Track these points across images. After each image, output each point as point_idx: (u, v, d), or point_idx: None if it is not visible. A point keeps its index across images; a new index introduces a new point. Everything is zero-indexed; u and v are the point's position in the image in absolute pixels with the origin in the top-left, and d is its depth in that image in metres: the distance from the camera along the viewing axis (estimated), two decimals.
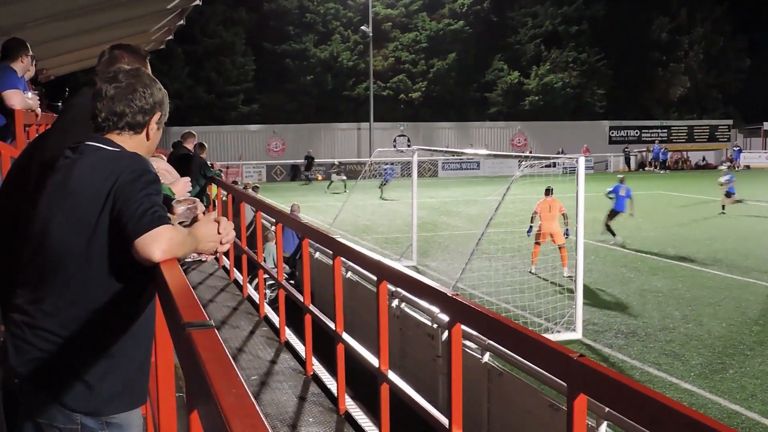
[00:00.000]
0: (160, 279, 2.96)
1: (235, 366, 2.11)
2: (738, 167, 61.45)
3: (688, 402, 10.73)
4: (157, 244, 3.00)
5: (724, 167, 35.00)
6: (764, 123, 68.42)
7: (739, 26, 71.88)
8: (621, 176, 25.56)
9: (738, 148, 64.21)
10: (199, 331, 2.39)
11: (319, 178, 50.91)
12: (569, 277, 18.14)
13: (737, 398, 11.03)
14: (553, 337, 13.50)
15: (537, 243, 19.72)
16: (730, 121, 68.71)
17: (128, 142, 3.37)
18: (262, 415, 1.82)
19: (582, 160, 14.67)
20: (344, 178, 45.20)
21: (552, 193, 20.17)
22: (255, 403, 1.89)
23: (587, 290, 16.75)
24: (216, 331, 2.41)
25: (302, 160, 53.26)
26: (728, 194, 31.65)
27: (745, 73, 73.58)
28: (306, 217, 23.53)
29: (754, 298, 16.97)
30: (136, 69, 3.53)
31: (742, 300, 16.73)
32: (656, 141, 62.74)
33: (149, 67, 4.30)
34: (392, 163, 44.13)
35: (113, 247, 3.12)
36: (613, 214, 24.30)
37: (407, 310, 11.71)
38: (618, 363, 12.65)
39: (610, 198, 24.48)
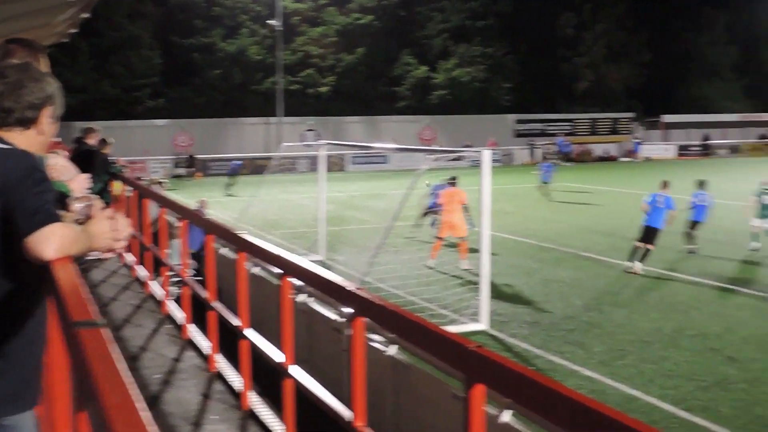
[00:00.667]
0: (52, 278, 2.93)
1: (122, 366, 2.10)
2: (637, 158, 63.15)
3: (589, 389, 10.99)
4: (49, 242, 2.96)
5: (542, 166, 37.55)
6: (663, 116, 70.33)
7: (640, 22, 73.70)
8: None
9: (638, 141, 65.85)
10: (88, 330, 2.37)
11: (199, 176, 49.85)
12: (467, 270, 18.39)
13: (636, 383, 11.34)
14: (458, 328, 13.68)
15: (439, 238, 19.80)
16: (631, 114, 70.40)
17: (18, 138, 3.31)
18: (146, 416, 1.82)
19: (487, 153, 14.85)
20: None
21: (456, 184, 20.31)
22: (141, 402, 1.89)
23: (493, 281, 17.00)
24: (106, 330, 2.40)
25: (184, 157, 52.64)
26: (544, 182, 35.58)
27: (646, 68, 75.49)
28: (214, 213, 23.33)
29: (653, 286, 17.46)
30: (25, 64, 3.47)
31: (641, 288, 17.20)
32: (561, 134, 63.90)
33: (47, 61, 4.23)
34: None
35: (4, 246, 3.07)
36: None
37: (314, 304, 11.71)
38: (522, 352, 12.88)
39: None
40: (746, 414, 10.13)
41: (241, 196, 34.82)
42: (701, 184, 22.16)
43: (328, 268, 18.96)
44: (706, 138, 68.97)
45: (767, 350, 12.85)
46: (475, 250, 16.39)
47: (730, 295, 16.67)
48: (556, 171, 38.43)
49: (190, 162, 51.84)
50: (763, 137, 71.11)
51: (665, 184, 20.08)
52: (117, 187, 15.08)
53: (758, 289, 17.05)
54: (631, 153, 64.53)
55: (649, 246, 19.20)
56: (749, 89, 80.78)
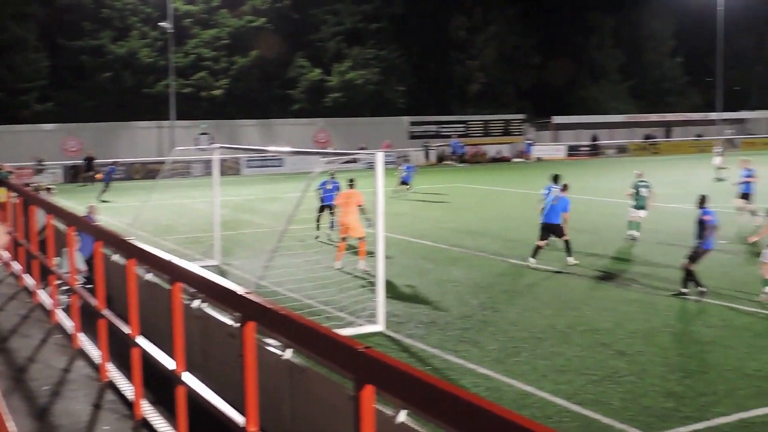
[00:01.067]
0: None
1: None
2: (529, 159, 64.39)
3: (485, 386, 11.15)
4: None
5: (403, 166, 39.66)
6: (553, 117, 71.90)
7: (530, 25, 75.21)
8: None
9: (529, 142, 67.15)
10: None
11: (99, 176, 48.35)
12: (366, 271, 18.45)
13: (530, 379, 11.55)
14: (355, 330, 13.72)
15: (343, 239, 19.82)
16: (523, 116, 71.72)
17: None
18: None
19: (381, 156, 14.91)
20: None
21: (354, 186, 20.39)
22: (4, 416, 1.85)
23: (389, 283, 17.10)
24: None
25: (82, 161, 51.36)
26: (403, 182, 37.24)
27: (537, 70, 77.05)
28: (105, 219, 22.85)
29: (545, 283, 17.82)
30: None
31: (534, 286, 17.54)
32: (454, 135, 64.67)
33: None
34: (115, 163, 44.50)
35: None
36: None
37: (209, 310, 11.58)
38: (418, 352, 12.98)
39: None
40: (635, 405, 10.42)
41: (116, 202, 34.18)
42: (555, 179, 22.30)
43: (224, 273, 18.79)
44: (595, 138, 70.77)
45: (653, 343, 13.24)
46: (372, 253, 16.44)
47: (619, 291, 17.14)
48: (416, 173, 39.91)
49: (89, 165, 50.38)
50: (648, 137, 73.32)
51: (556, 178, 21.21)
52: (1, 194, 14.66)
53: (644, 285, 17.57)
54: (523, 154, 65.76)
55: (545, 242, 19.67)
56: (634, 91, 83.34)
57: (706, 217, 16.18)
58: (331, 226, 21.40)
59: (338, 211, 19.85)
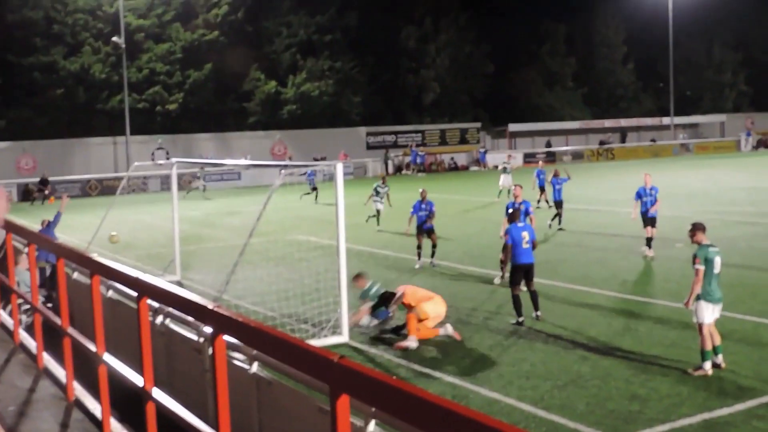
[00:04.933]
0: None
1: None
2: (481, 168, 64.80)
3: (451, 394, 11.19)
4: None
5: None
6: (509, 124, 72.41)
7: (482, 34, 75.68)
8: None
9: (484, 150, 67.57)
10: None
11: (52, 200, 47.66)
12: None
13: (496, 386, 11.62)
14: (320, 342, 13.70)
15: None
16: (478, 124, 72.17)
17: None
18: None
19: (340, 166, 14.93)
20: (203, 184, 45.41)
21: None
22: None
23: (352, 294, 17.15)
24: None
25: (35, 179, 50.84)
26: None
27: (490, 78, 77.56)
28: (62, 236, 22.59)
29: (507, 292, 17.91)
30: None
31: (496, 294, 17.63)
32: (412, 145, 64.90)
33: None
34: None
35: None
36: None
37: (172, 326, 11.52)
38: (385, 363, 13.00)
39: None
40: (600, 409, 10.52)
41: (73, 219, 33.81)
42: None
43: (185, 288, 18.65)
44: (549, 145, 71.39)
45: (615, 347, 13.38)
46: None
47: (580, 295, 17.29)
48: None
49: (44, 183, 49.79)
50: (602, 143, 74.11)
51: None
52: None
53: (604, 288, 17.74)
54: (478, 162, 66.17)
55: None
56: (588, 97, 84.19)
57: None
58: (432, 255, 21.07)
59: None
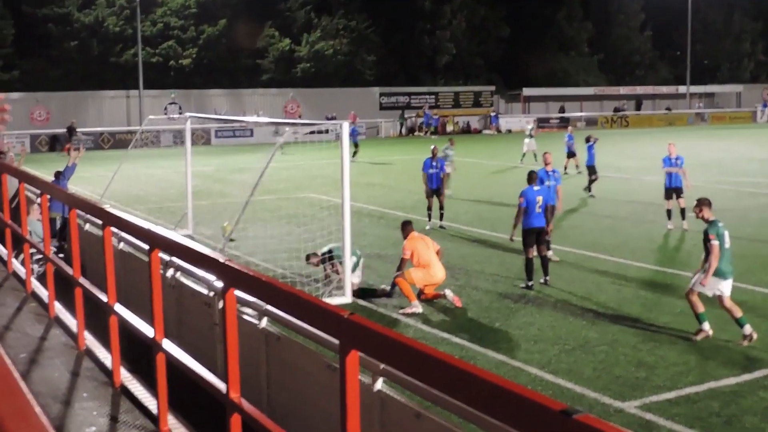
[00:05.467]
0: None
1: None
2: (493, 131, 64.51)
3: (459, 355, 11.21)
4: None
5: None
6: (524, 89, 71.98)
7: None
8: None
9: (495, 114, 67.17)
10: None
11: (66, 149, 47.48)
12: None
13: (503, 349, 11.65)
14: (329, 301, 13.74)
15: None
16: (492, 88, 71.76)
17: None
18: (27, 392, 1.78)
19: (346, 126, 14.90)
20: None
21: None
22: (19, 380, 1.85)
23: (364, 254, 17.22)
24: None
25: (63, 130, 50.87)
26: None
27: (506, 42, 76.98)
28: (75, 188, 22.65)
29: (517, 255, 17.90)
30: None
31: (506, 257, 17.62)
32: (425, 107, 64.61)
33: None
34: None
35: None
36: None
37: (183, 279, 11.57)
38: (392, 322, 13.04)
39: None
40: (607, 375, 10.55)
41: (86, 172, 33.88)
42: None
43: (197, 242, 18.70)
44: (562, 110, 71.00)
45: (624, 313, 13.39)
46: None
47: (590, 261, 17.28)
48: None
49: (70, 135, 49.63)
50: (617, 110, 73.67)
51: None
52: None
53: (615, 255, 17.72)
54: (491, 126, 65.90)
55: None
56: (603, 64, 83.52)
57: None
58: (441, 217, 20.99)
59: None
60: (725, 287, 11.82)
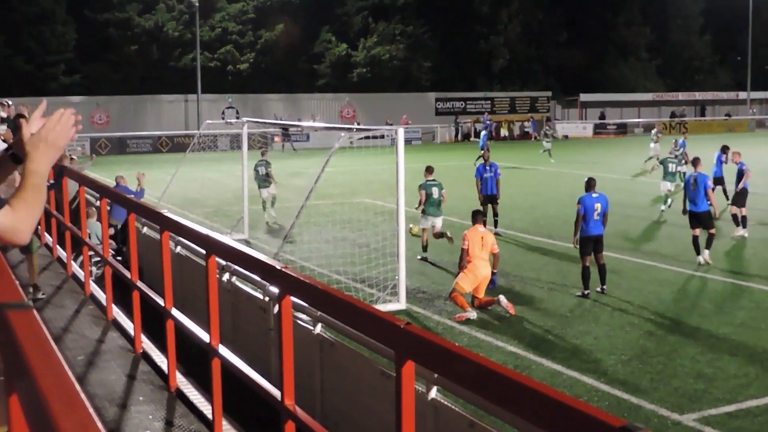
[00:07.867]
0: None
1: (54, 346, 2.05)
2: (536, 138, 63.85)
3: (514, 364, 11.13)
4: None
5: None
6: (581, 94, 71.38)
7: (556, 1, 74.53)
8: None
9: (533, 120, 66.19)
10: (16, 312, 2.31)
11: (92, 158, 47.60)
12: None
13: (558, 358, 11.52)
14: (383, 307, 13.71)
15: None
16: (548, 93, 71.26)
17: None
18: (82, 395, 1.78)
19: (401, 131, 14.89)
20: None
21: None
22: (75, 382, 1.85)
23: (416, 261, 17.22)
24: (34, 311, 2.33)
25: (107, 134, 51.69)
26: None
27: (563, 47, 76.43)
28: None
29: (573, 262, 17.70)
30: None
31: (562, 265, 17.45)
32: (485, 112, 64.29)
33: None
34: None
35: None
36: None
37: (238, 284, 11.64)
38: (447, 330, 12.97)
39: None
40: (665, 386, 10.37)
41: (164, 176, 34.27)
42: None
43: (252, 247, 18.81)
44: (602, 116, 69.91)
45: (683, 324, 13.17)
46: None
47: (648, 270, 17.03)
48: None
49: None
50: (673, 115, 72.68)
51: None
52: None
53: (674, 264, 17.45)
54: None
55: None
56: (662, 69, 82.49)
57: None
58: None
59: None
60: None
